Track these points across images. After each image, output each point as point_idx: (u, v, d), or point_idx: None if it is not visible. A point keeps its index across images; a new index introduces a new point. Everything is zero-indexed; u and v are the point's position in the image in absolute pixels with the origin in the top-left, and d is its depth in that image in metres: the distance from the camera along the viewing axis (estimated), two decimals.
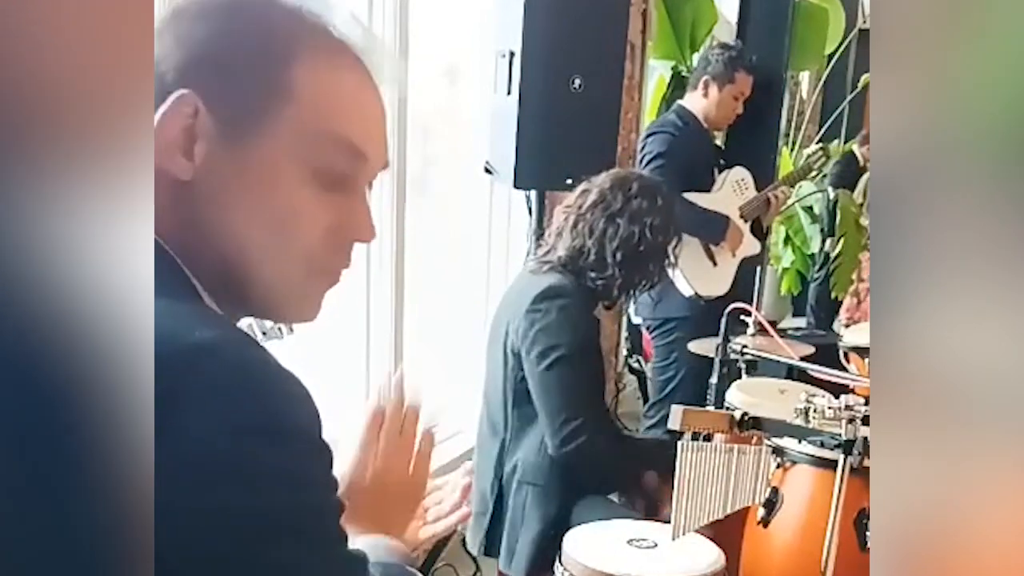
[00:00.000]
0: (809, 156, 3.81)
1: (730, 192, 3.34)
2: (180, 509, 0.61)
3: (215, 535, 0.63)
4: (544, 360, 1.97)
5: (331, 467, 0.70)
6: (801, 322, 4.88)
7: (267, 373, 0.66)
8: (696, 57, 3.96)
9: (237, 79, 0.73)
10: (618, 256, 2.02)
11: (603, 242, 2.02)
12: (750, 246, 3.34)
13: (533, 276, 2.08)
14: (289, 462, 0.66)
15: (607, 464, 2.04)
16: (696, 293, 3.15)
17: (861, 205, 4.48)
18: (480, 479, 2.10)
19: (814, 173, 3.90)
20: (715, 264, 3.23)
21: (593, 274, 2.04)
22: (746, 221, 3.33)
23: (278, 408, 0.65)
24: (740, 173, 3.38)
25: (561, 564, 1.73)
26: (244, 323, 0.85)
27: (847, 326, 4.13)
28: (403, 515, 1.01)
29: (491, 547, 2.13)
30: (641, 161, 3.22)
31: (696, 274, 3.15)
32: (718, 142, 3.58)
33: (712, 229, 3.20)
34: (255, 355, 0.66)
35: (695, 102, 3.32)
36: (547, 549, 1.88)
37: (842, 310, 4.77)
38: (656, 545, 1.75)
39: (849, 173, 5.12)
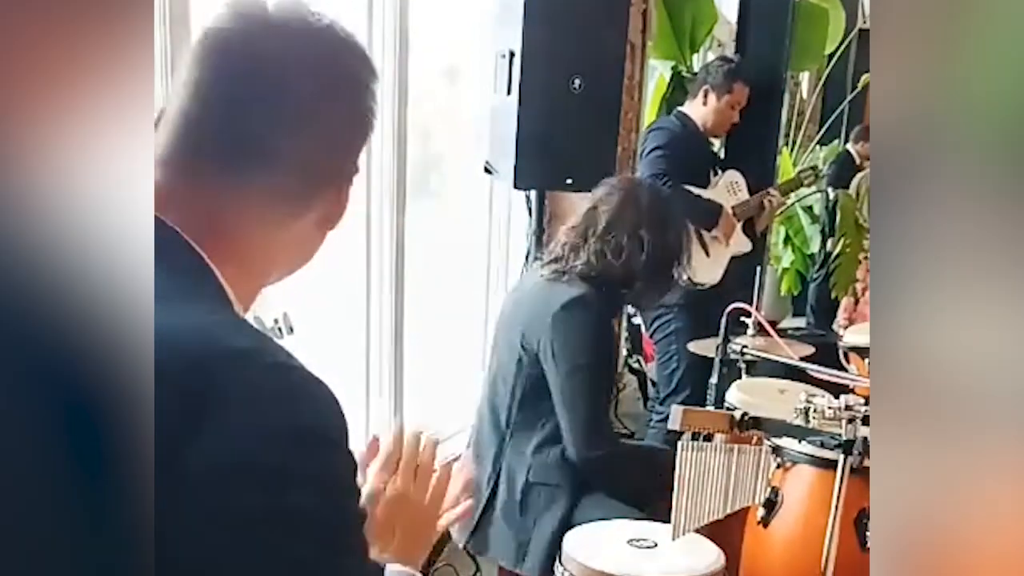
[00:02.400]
0: (801, 172, 3.98)
1: (723, 192, 3.49)
2: (211, 507, 0.62)
3: (242, 533, 0.64)
4: (572, 368, 1.99)
5: (355, 475, 0.73)
6: (801, 322, 4.89)
7: (300, 381, 0.69)
8: (696, 57, 4.00)
9: None
10: (645, 269, 2.06)
11: (628, 256, 2.05)
12: (742, 243, 3.48)
13: (554, 284, 2.07)
14: (318, 467, 0.68)
15: (628, 472, 2.08)
16: (690, 279, 3.25)
17: (856, 201, 4.54)
18: (476, 474, 2.09)
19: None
20: (708, 255, 3.37)
21: (623, 289, 2.09)
22: (739, 220, 3.47)
23: (310, 414, 0.68)
24: (733, 176, 3.53)
25: (561, 564, 1.72)
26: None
27: (845, 327, 4.14)
28: (419, 543, 1.03)
29: (479, 544, 2.11)
30: (642, 154, 3.35)
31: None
32: (718, 149, 3.73)
33: (706, 215, 3.34)
34: (289, 363, 0.70)
35: (695, 109, 3.45)
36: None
37: (840, 310, 4.78)
38: (656, 545, 1.74)
39: (845, 172, 5.14)
